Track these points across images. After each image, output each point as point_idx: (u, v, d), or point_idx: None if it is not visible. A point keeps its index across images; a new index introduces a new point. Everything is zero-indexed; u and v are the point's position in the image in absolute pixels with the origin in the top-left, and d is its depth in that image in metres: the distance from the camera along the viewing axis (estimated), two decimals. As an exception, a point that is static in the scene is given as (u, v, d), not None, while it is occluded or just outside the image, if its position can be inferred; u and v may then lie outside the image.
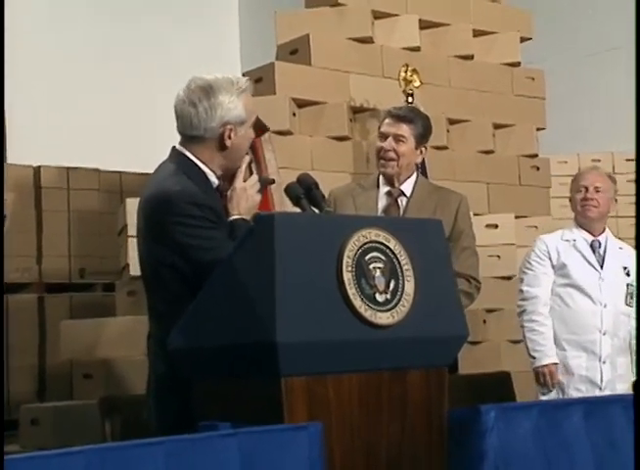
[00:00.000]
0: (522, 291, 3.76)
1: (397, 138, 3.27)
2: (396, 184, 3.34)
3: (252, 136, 2.46)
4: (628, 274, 3.71)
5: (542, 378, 3.68)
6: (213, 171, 2.41)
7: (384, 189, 3.35)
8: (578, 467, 2.00)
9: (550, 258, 3.72)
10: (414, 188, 3.33)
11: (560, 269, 3.71)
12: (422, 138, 3.33)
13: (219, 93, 2.35)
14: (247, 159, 2.45)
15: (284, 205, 2.82)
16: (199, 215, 2.28)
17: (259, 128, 2.68)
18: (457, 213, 3.30)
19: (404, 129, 3.27)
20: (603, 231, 3.78)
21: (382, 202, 3.35)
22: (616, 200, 3.83)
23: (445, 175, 5.03)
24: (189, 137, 2.39)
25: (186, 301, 2.16)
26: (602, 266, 3.70)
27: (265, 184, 2.57)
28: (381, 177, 3.37)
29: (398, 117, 3.30)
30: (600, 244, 3.74)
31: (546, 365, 3.65)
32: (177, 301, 2.24)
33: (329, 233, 2.10)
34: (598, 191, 3.70)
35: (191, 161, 2.39)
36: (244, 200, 2.39)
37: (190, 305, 2.14)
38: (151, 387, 2.45)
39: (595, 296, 3.66)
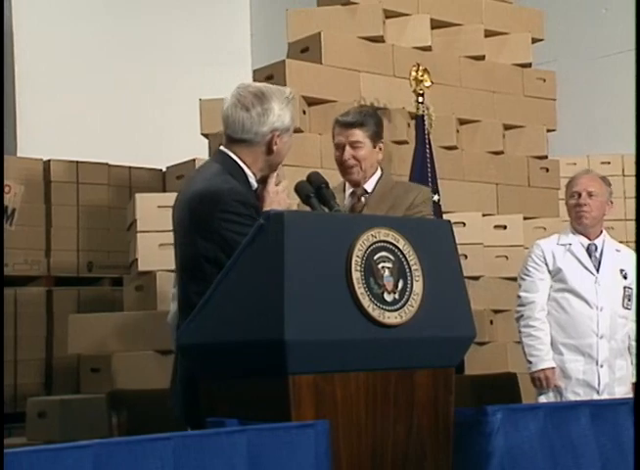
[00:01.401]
0: (519, 296, 3.80)
1: (353, 144, 3.21)
2: (362, 184, 3.29)
3: (291, 145, 2.57)
4: (625, 277, 3.71)
5: (538, 383, 3.71)
6: (254, 174, 2.52)
7: (349, 191, 3.31)
8: (585, 469, 2.00)
9: (546, 264, 3.75)
10: (376, 185, 3.27)
11: (556, 274, 3.73)
12: (377, 136, 3.26)
13: (271, 100, 2.49)
14: None
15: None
16: (245, 214, 2.37)
17: None
18: (413, 201, 3.20)
19: (357, 134, 3.21)
20: (599, 234, 3.78)
21: (347, 202, 3.30)
22: (611, 202, 3.82)
23: (454, 175, 5.03)
24: (237, 140, 2.51)
25: None
26: (598, 270, 3.71)
27: None
28: (346, 183, 3.32)
29: (347, 123, 3.23)
30: (596, 247, 3.75)
31: (542, 370, 3.68)
32: None
33: (338, 232, 2.11)
34: (591, 196, 3.71)
35: (235, 162, 2.50)
36: (276, 203, 2.49)
37: None
38: (176, 376, 2.50)
39: (591, 299, 3.67)
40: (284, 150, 2.54)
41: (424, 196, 3.27)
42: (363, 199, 3.25)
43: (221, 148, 2.56)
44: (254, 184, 2.53)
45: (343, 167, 3.24)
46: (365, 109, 3.45)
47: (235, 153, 2.51)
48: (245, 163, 2.51)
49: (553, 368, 3.68)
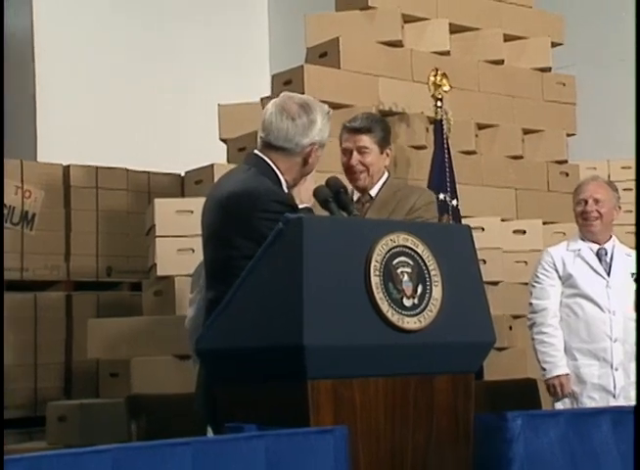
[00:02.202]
0: (531, 304, 3.80)
1: (360, 150, 3.21)
2: (368, 190, 3.26)
3: (319, 159, 2.60)
4: (637, 281, 3.69)
5: (553, 389, 3.70)
6: (286, 181, 2.56)
7: (355, 197, 3.27)
8: (607, 477, 1.99)
9: (556, 270, 3.75)
10: (380, 189, 3.25)
11: (567, 280, 3.73)
12: (384, 141, 3.25)
13: (316, 113, 2.54)
14: None
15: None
16: (283, 212, 2.37)
17: None
18: (413, 205, 3.18)
19: (365, 140, 3.20)
20: (609, 239, 3.78)
21: None
22: (619, 207, 3.81)
23: (473, 180, 5.01)
24: (276, 147, 2.54)
25: None
26: (609, 274, 3.71)
27: None
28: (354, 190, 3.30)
29: (355, 129, 3.23)
30: (606, 252, 3.75)
31: (557, 376, 3.66)
32: None
33: (357, 237, 2.11)
34: (597, 202, 3.71)
35: (270, 167, 2.54)
36: (304, 188, 2.54)
37: None
38: (200, 379, 2.53)
39: (603, 303, 3.66)
40: (316, 163, 2.59)
41: (425, 199, 3.22)
42: (368, 204, 3.23)
43: (256, 152, 2.58)
44: (286, 190, 2.56)
45: (350, 173, 3.22)
46: (373, 115, 3.43)
47: (270, 159, 2.54)
48: (279, 169, 2.54)
49: (567, 374, 3.66)
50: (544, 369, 3.71)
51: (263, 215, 2.39)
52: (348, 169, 3.23)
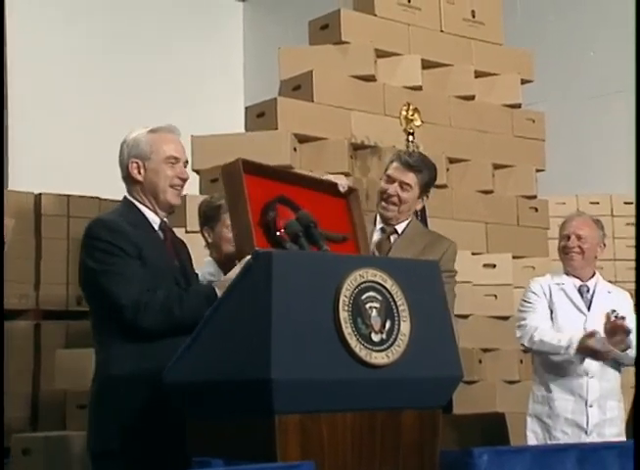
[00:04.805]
0: (520, 326, 3.71)
1: (403, 185, 3.34)
2: (393, 223, 3.41)
3: (170, 174, 2.61)
4: (616, 317, 3.69)
5: (593, 353, 3.51)
6: (154, 212, 2.62)
7: (379, 226, 3.43)
8: (570, 514, 1.99)
9: (545, 295, 3.75)
10: (406, 227, 3.41)
11: (550, 312, 3.73)
12: (426, 187, 3.41)
13: (126, 138, 2.64)
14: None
15: None
16: (103, 239, 2.49)
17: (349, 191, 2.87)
18: (443, 255, 3.33)
19: (411, 178, 3.34)
20: (592, 276, 3.80)
21: (375, 237, 3.41)
22: (604, 244, 3.83)
23: (444, 214, 5.05)
24: (125, 182, 2.66)
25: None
26: (589, 309, 3.71)
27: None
28: (378, 216, 3.41)
29: (408, 164, 3.36)
30: (588, 289, 3.76)
31: (581, 344, 3.49)
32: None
33: (326, 272, 2.12)
34: (580, 238, 3.73)
35: (128, 200, 2.63)
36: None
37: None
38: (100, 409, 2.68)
39: None
40: (154, 178, 2.59)
41: (454, 251, 3.40)
42: (392, 239, 3.37)
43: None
44: (156, 221, 2.62)
45: (383, 200, 3.35)
46: (428, 159, 3.56)
47: (129, 194, 2.64)
48: (138, 200, 2.62)
49: (590, 333, 3.50)
50: (567, 351, 3.53)
51: (85, 242, 2.52)
52: (383, 194, 3.36)
